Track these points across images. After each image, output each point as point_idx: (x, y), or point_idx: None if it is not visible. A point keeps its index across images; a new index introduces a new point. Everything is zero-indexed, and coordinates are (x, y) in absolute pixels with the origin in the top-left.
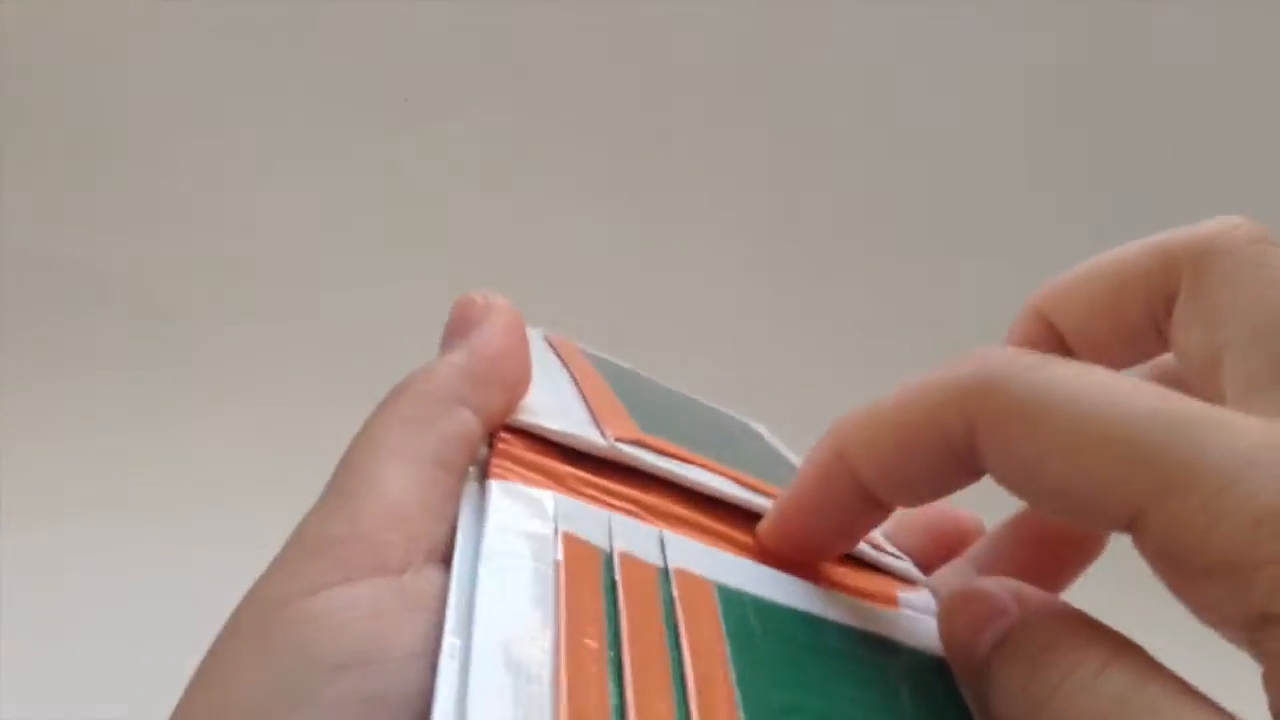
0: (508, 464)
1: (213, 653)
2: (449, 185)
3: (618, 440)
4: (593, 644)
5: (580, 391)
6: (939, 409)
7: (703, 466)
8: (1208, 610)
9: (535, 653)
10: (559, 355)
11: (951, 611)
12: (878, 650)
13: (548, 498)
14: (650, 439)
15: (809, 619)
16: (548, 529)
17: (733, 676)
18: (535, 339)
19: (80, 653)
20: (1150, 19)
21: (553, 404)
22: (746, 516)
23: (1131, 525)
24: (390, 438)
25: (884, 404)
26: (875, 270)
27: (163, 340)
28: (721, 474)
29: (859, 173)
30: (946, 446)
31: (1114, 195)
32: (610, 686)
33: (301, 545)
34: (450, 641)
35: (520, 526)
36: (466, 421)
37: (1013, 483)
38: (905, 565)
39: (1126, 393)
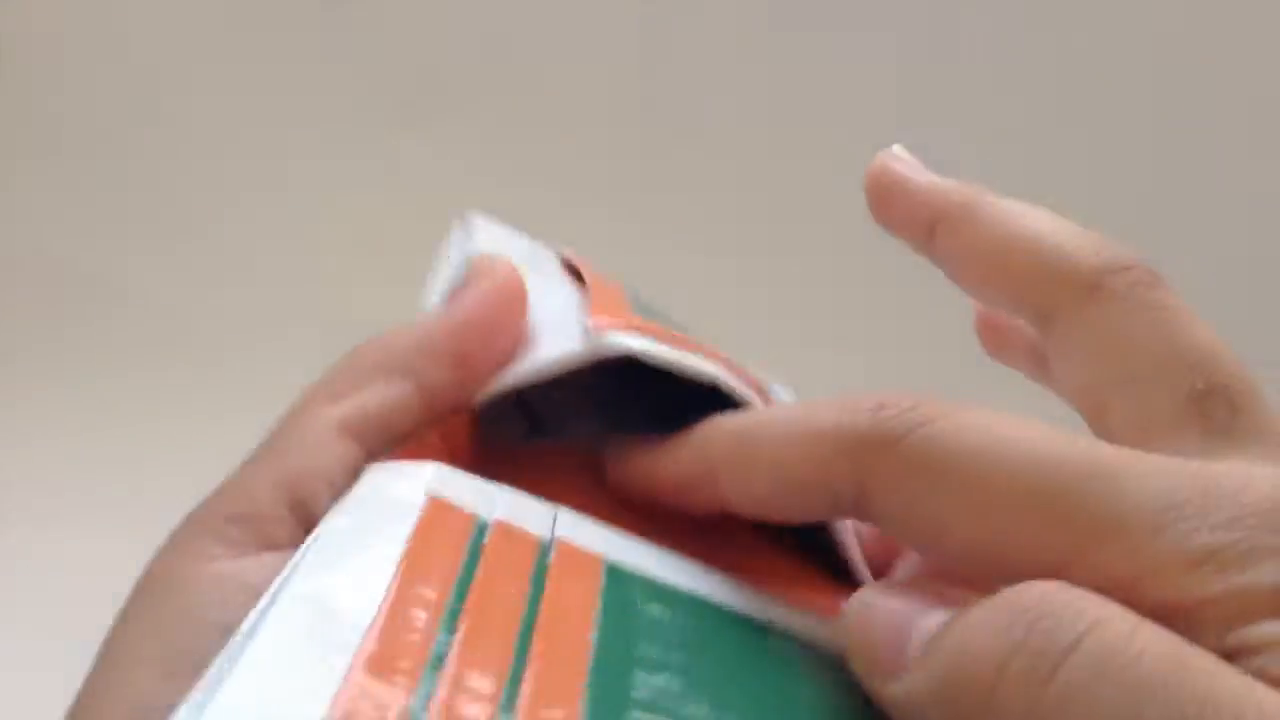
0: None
1: (113, 629)
2: (449, 186)
3: (596, 329)
4: (430, 596)
5: (585, 300)
6: (824, 461)
7: (703, 353)
8: None
9: (354, 602)
10: (573, 271)
11: (865, 611)
12: (791, 649)
13: (429, 469)
14: (645, 324)
15: (718, 610)
16: (416, 496)
17: (590, 655)
18: (548, 256)
19: (81, 656)
20: (1153, 17)
21: (544, 325)
22: (694, 525)
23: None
24: (309, 408)
25: (763, 436)
26: (874, 264)
27: (164, 342)
28: (722, 362)
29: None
30: (829, 498)
31: (1117, 197)
32: (439, 636)
33: (195, 524)
34: (266, 598)
35: (382, 494)
36: (399, 395)
37: (914, 543)
38: (856, 565)
39: (1032, 442)
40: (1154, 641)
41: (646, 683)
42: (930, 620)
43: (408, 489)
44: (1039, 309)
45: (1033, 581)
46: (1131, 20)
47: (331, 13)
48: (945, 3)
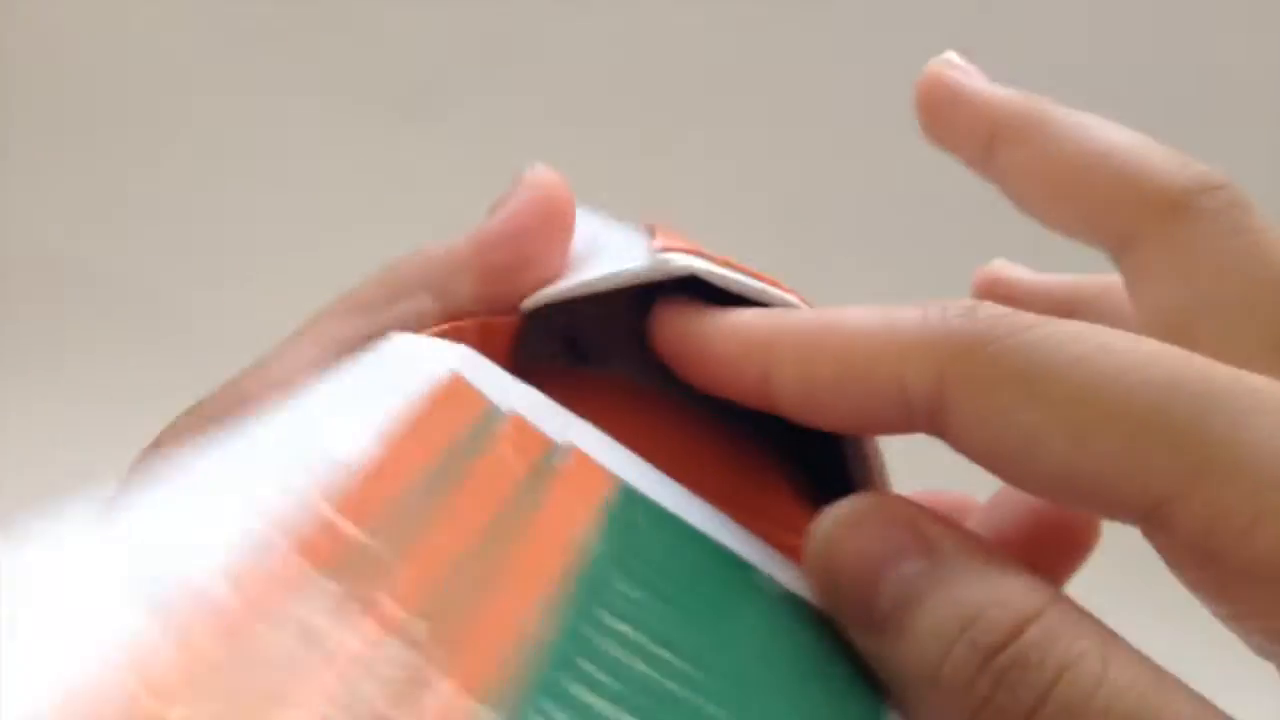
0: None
1: None
2: (450, 185)
3: (663, 250)
4: (421, 457)
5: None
6: (902, 360)
7: (777, 287)
8: (1245, 616)
9: (342, 441)
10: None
11: (830, 548)
12: (790, 607)
13: (456, 348)
14: (714, 255)
15: (730, 556)
16: (437, 367)
17: (574, 552)
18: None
19: None
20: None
21: (605, 249)
22: (718, 467)
23: (1149, 517)
24: (323, 321)
25: (835, 325)
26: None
27: (164, 343)
28: (794, 296)
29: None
30: (899, 403)
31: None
32: (418, 496)
33: (177, 425)
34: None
35: (401, 356)
36: (419, 310)
37: (993, 462)
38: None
39: (1145, 357)
40: (1118, 696)
41: (628, 596)
42: (901, 572)
43: (430, 358)
44: (1117, 228)
45: (997, 604)
46: None
47: (331, 12)
48: None
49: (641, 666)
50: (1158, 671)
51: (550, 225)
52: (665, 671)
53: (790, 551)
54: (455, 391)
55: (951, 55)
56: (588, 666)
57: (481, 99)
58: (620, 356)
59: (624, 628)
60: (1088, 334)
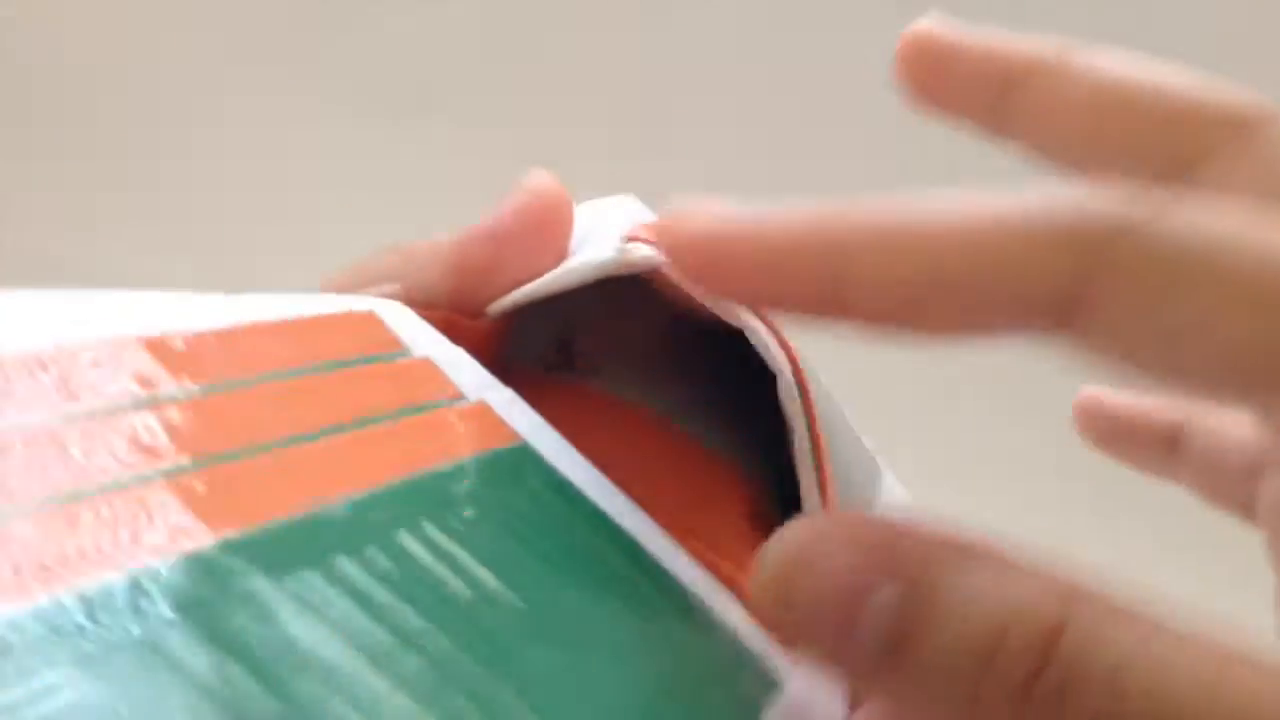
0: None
1: None
2: (450, 185)
3: (630, 240)
4: (281, 352)
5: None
6: (1045, 249)
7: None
8: None
9: (214, 311)
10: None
11: (783, 594)
12: (684, 621)
13: (386, 301)
14: None
15: (638, 552)
16: (356, 304)
17: (424, 469)
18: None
19: None
20: None
21: (585, 243)
22: (675, 496)
23: None
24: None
25: (926, 220)
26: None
27: None
28: (763, 320)
29: None
30: (1022, 299)
31: None
32: (262, 376)
33: None
34: None
35: (325, 294)
36: (378, 295)
37: (1144, 359)
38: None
39: None
40: (1175, 680)
41: (478, 528)
42: (877, 603)
43: (353, 299)
44: (1178, 150)
45: (1016, 620)
46: None
47: (331, 12)
48: None
49: (454, 581)
50: (1204, 640)
51: (535, 231)
52: (487, 600)
53: (720, 575)
54: (363, 321)
55: (936, 14)
56: (378, 557)
57: (481, 99)
58: (610, 362)
59: (451, 546)
60: (1236, 212)
